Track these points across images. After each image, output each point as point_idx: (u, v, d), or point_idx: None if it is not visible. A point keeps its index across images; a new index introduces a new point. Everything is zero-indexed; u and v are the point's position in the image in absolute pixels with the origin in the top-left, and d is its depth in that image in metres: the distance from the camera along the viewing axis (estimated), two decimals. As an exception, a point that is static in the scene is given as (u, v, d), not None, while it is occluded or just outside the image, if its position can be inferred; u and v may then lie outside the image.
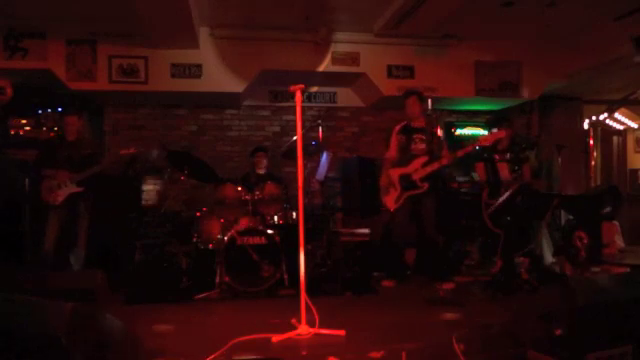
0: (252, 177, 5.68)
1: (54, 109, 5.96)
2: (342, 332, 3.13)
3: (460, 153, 4.65)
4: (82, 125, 4.85)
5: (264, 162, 5.88)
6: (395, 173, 4.85)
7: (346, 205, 6.76)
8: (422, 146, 4.80)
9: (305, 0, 5.37)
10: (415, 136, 4.82)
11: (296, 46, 6.27)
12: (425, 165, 4.71)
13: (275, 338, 3.01)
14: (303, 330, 3.12)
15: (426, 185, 4.69)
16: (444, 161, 4.62)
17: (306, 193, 5.04)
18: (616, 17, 5.48)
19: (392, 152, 4.93)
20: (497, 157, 4.78)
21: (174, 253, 4.88)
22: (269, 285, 4.35)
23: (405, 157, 4.83)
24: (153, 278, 4.77)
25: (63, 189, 4.49)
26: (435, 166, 4.66)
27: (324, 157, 5.52)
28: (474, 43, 6.61)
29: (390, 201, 4.86)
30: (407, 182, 4.76)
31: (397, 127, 4.98)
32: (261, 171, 5.82)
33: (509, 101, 7.14)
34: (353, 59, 6.47)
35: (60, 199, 4.48)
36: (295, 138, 4.08)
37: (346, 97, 7.37)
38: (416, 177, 4.72)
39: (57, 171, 4.52)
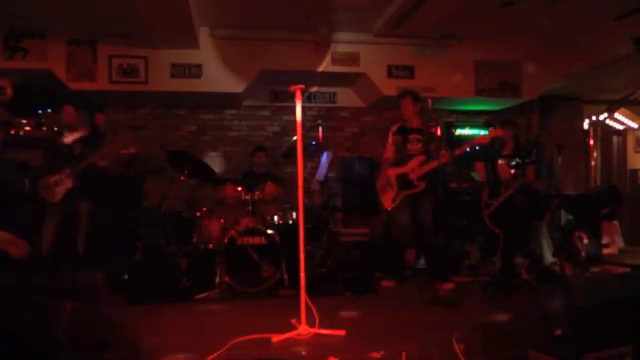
0: (251, 176, 5.68)
1: (54, 109, 5.96)
2: (342, 332, 3.13)
3: (458, 151, 4.65)
4: (77, 118, 4.83)
5: (263, 162, 5.88)
6: (392, 173, 4.85)
7: (346, 205, 6.75)
8: (418, 146, 4.80)
9: (305, 0, 5.37)
10: (411, 136, 4.83)
11: (296, 46, 6.27)
12: (422, 164, 4.71)
13: (275, 338, 3.01)
14: (303, 330, 3.12)
15: (423, 184, 4.69)
16: (442, 160, 4.62)
17: (306, 193, 5.04)
18: (616, 17, 5.48)
19: (389, 153, 4.93)
20: (501, 162, 4.74)
21: (174, 253, 4.88)
22: (269, 285, 4.35)
23: (402, 157, 4.84)
24: (153, 278, 4.77)
25: (60, 186, 4.49)
26: (433, 165, 4.66)
27: (324, 157, 5.52)
28: (474, 43, 6.61)
29: (387, 200, 4.86)
30: (404, 181, 4.77)
31: (393, 128, 4.98)
32: (260, 170, 5.82)
33: (509, 101, 7.14)
34: (353, 59, 6.47)
35: (58, 196, 4.48)
36: (295, 138, 4.08)
37: (346, 97, 7.37)
38: (413, 176, 4.72)
39: (54, 175, 4.52)
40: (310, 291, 3.29)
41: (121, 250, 5.21)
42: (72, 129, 4.77)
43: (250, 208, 4.80)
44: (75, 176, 4.50)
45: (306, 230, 3.40)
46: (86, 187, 4.57)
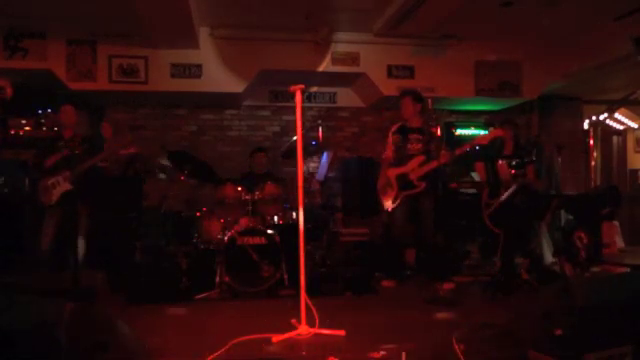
0: (251, 177, 5.68)
1: (54, 109, 5.97)
2: (342, 332, 3.13)
3: (458, 152, 4.65)
4: (77, 118, 4.84)
5: (263, 162, 5.88)
6: (392, 173, 4.85)
7: (346, 205, 6.76)
8: (418, 146, 4.80)
9: (305, 0, 5.37)
10: (411, 136, 4.83)
11: (296, 46, 6.26)
12: (422, 164, 4.71)
13: (275, 338, 3.01)
14: (303, 330, 3.12)
15: (423, 184, 4.69)
16: (442, 160, 4.61)
17: (306, 193, 5.04)
18: (616, 17, 5.48)
19: (389, 153, 4.94)
20: (501, 162, 4.74)
21: (174, 253, 4.88)
22: (269, 285, 4.35)
23: (402, 157, 4.84)
24: (153, 278, 4.77)
25: (57, 188, 4.49)
26: (433, 165, 4.65)
27: (324, 157, 5.52)
28: (474, 43, 6.61)
29: (388, 201, 4.86)
30: (404, 182, 4.77)
31: (393, 127, 4.98)
32: (260, 171, 5.82)
33: (509, 101, 7.14)
34: (353, 59, 6.47)
35: (54, 198, 4.48)
36: (295, 138, 4.08)
37: (346, 97, 7.36)
38: (413, 177, 4.72)
39: (51, 176, 4.52)
40: (310, 291, 3.29)
41: (121, 250, 5.21)
42: (71, 129, 4.76)
43: (250, 208, 4.79)
44: (74, 179, 4.50)
45: (306, 230, 3.40)
46: (85, 190, 4.56)
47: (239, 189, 4.86)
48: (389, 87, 6.51)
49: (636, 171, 8.45)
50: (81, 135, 4.81)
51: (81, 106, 5.14)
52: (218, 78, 6.17)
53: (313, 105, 7.28)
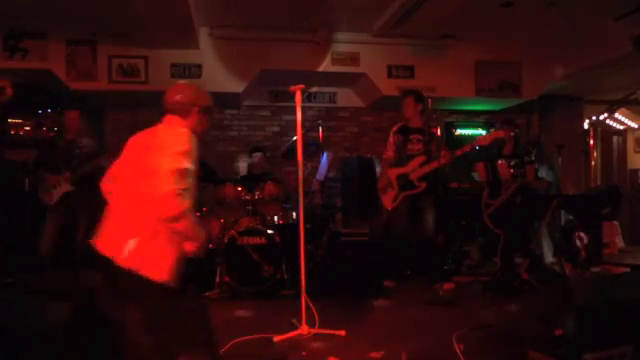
0: (250, 177, 5.68)
1: (54, 109, 5.96)
2: (342, 332, 3.13)
3: (458, 152, 4.65)
4: (81, 123, 4.85)
5: (261, 162, 5.87)
6: (393, 173, 4.86)
7: (346, 205, 6.75)
8: (419, 146, 4.80)
9: (305, 0, 5.37)
10: (412, 136, 4.83)
11: (296, 46, 6.26)
12: (423, 165, 4.71)
13: (275, 338, 3.02)
14: (303, 330, 3.13)
15: (423, 185, 4.70)
16: (442, 161, 4.61)
17: (306, 193, 5.03)
18: (616, 17, 5.48)
19: (390, 152, 4.95)
20: (501, 162, 4.74)
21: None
22: (269, 285, 4.35)
23: (403, 157, 4.84)
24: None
25: (57, 189, 4.51)
26: (433, 165, 4.66)
27: (324, 157, 5.52)
28: (474, 43, 6.60)
29: (388, 201, 4.87)
30: (404, 182, 4.77)
31: (394, 127, 4.99)
32: (258, 171, 5.82)
33: (509, 101, 7.14)
34: (353, 59, 6.47)
35: (55, 199, 4.49)
36: (295, 138, 4.08)
37: (346, 97, 7.36)
38: (413, 177, 4.72)
39: (52, 176, 4.53)
40: (310, 291, 3.30)
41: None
42: (75, 134, 4.77)
43: (250, 208, 4.80)
44: (74, 180, 4.51)
45: (306, 230, 3.40)
46: (86, 191, 4.57)
47: (239, 189, 4.86)
48: (389, 87, 6.51)
49: (636, 171, 8.45)
50: (82, 136, 4.81)
51: (82, 107, 5.12)
52: (218, 78, 6.16)
53: (313, 105, 7.28)
